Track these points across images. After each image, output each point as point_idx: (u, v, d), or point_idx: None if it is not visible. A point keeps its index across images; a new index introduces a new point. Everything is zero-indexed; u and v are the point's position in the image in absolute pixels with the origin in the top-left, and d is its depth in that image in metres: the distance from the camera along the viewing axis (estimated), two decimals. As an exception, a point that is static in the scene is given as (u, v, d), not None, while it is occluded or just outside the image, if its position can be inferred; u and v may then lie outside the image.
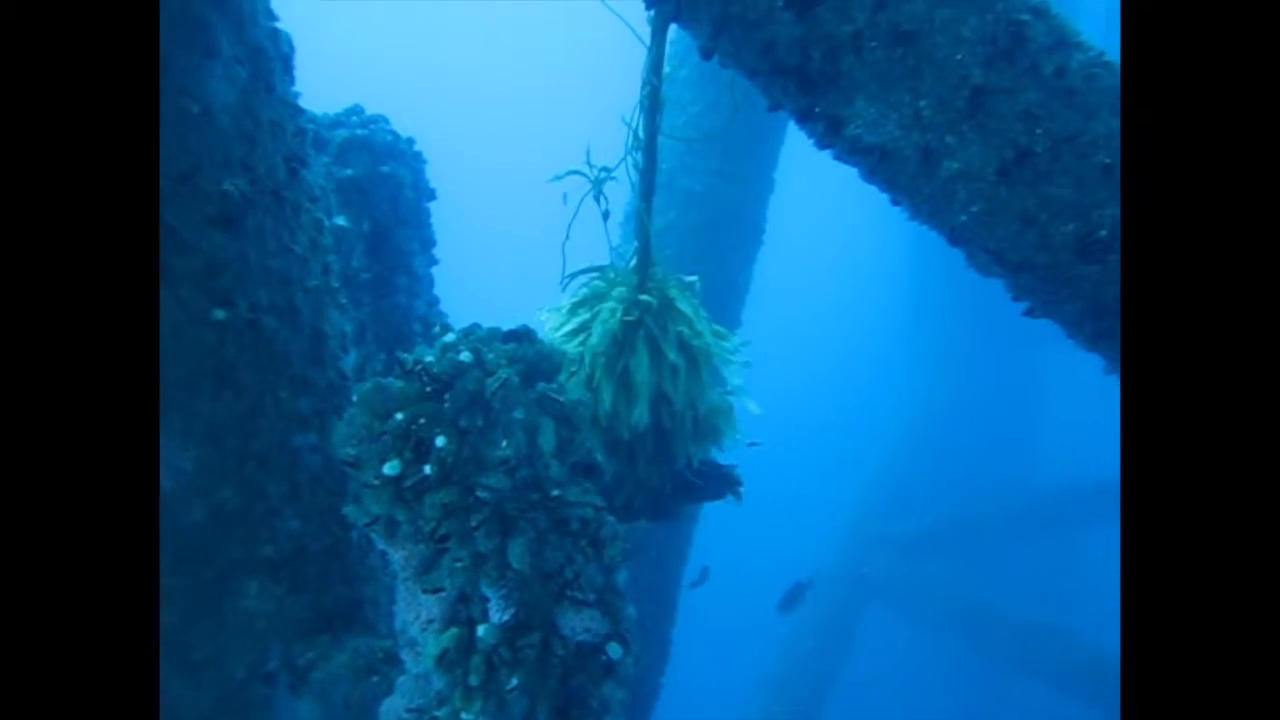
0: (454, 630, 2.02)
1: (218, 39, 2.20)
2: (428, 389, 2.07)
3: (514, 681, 1.98)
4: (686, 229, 5.54)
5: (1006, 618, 12.26)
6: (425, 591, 2.03)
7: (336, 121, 3.67)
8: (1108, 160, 2.15)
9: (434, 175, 3.88)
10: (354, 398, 2.09)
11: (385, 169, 3.65)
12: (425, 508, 2.00)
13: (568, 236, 2.79)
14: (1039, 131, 2.15)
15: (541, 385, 2.15)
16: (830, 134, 2.30)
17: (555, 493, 2.10)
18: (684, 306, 2.79)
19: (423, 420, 2.03)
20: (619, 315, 2.71)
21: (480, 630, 2.00)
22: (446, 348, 2.16)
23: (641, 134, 2.63)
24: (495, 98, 37.95)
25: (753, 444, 2.96)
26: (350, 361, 2.82)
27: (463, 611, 2.04)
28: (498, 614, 2.00)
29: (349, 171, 3.57)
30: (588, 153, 2.69)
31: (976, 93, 2.13)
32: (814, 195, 14.69)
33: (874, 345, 22.31)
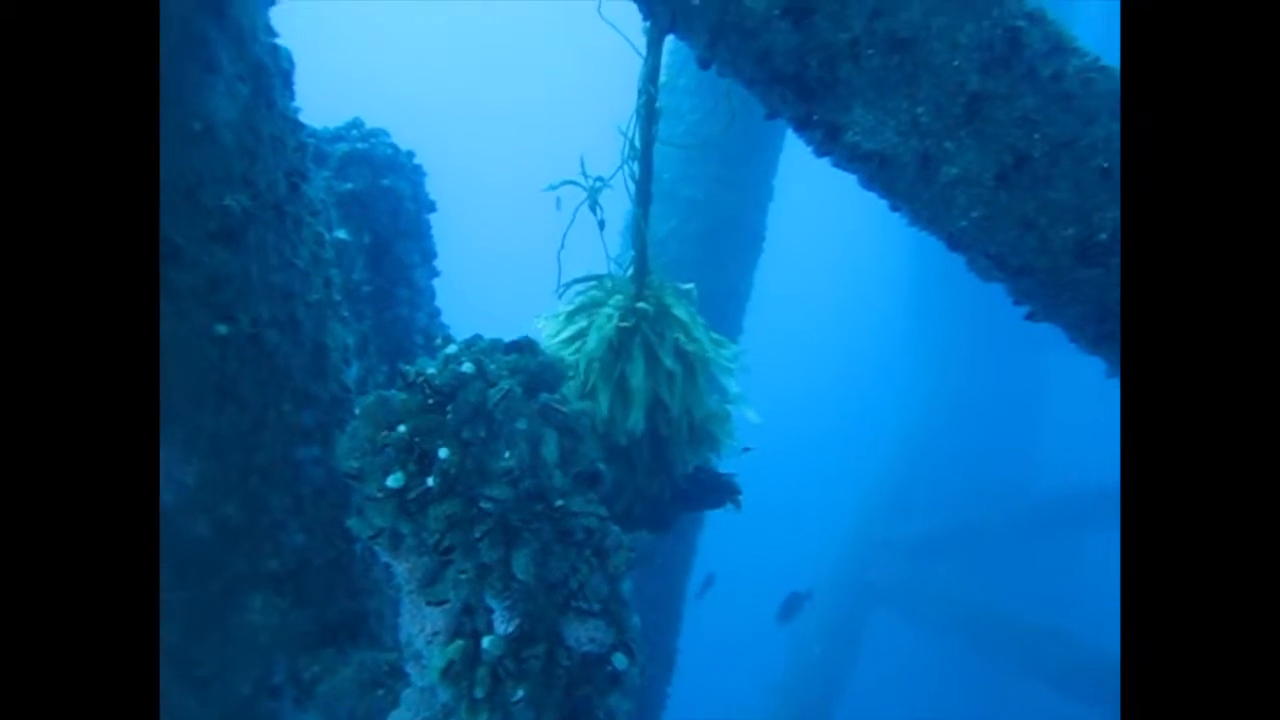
0: (459, 642, 2.02)
1: (219, 55, 2.21)
2: (430, 401, 2.07)
3: (519, 693, 1.97)
4: (687, 237, 5.56)
5: (1009, 621, 12.27)
6: (430, 604, 2.03)
7: (337, 136, 3.69)
8: (1106, 164, 2.15)
9: (434, 187, 3.90)
10: (357, 410, 2.09)
11: (385, 182, 3.66)
12: (429, 520, 1.99)
13: (563, 246, 2.80)
14: (1037, 136, 2.16)
15: (544, 396, 2.16)
16: (828, 141, 2.31)
17: (559, 503, 2.09)
18: (680, 314, 2.80)
19: (426, 432, 2.03)
20: (615, 322, 2.72)
21: (485, 642, 1.99)
22: (449, 359, 2.17)
23: (638, 143, 2.64)
24: (494, 110, 38.05)
25: (746, 449, 2.97)
26: (353, 374, 2.83)
27: (468, 623, 2.04)
28: (503, 625, 2.00)
29: (350, 185, 3.59)
30: (582, 163, 2.69)
31: (974, 99, 2.14)
32: (813, 202, 14.73)
33: (875, 351, 22.34)
